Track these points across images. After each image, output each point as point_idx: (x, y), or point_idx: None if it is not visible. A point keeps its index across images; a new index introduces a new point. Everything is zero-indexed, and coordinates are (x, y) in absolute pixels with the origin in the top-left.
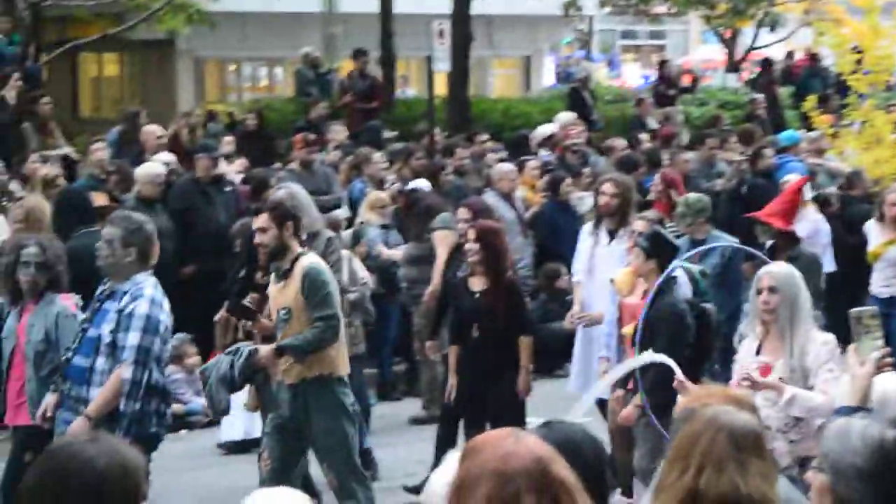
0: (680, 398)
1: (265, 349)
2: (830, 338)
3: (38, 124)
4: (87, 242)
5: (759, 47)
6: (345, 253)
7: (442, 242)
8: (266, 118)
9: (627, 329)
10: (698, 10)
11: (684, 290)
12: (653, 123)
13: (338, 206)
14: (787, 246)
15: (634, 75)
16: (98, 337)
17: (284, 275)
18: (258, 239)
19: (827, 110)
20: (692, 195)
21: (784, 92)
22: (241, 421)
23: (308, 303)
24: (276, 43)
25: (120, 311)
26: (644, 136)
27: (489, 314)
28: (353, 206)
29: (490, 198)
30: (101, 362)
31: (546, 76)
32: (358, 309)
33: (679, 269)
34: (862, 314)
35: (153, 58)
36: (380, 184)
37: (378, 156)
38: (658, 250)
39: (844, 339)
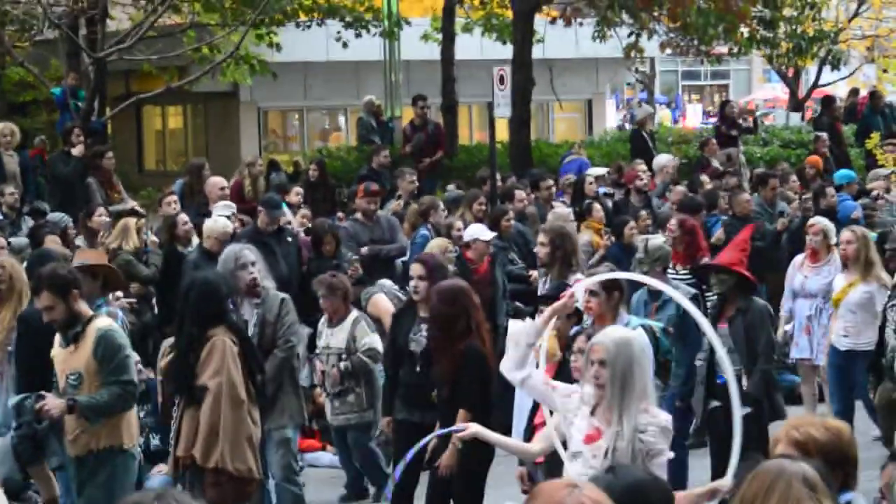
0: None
1: (55, 400)
2: (666, 419)
3: (101, 179)
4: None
5: (823, 85)
6: (354, 313)
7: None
8: (328, 167)
9: None
10: (760, 49)
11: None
12: (717, 165)
13: (402, 255)
14: (740, 296)
15: (696, 116)
16: None
17: (74, 338)
18: (47, 318)
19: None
20: (652, 241)
21: (847, 130)
22: None
23: (102, 367)
24: (338, 92)
25: None
26: (704, 178)
27: (439, 381)
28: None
29: None
30: None
31: (608, 119)
32: (358, 374)
33: (639, 326)
34: None
35: (216, 109)
36: (447, 231)
37: (442, 204)
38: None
39: None
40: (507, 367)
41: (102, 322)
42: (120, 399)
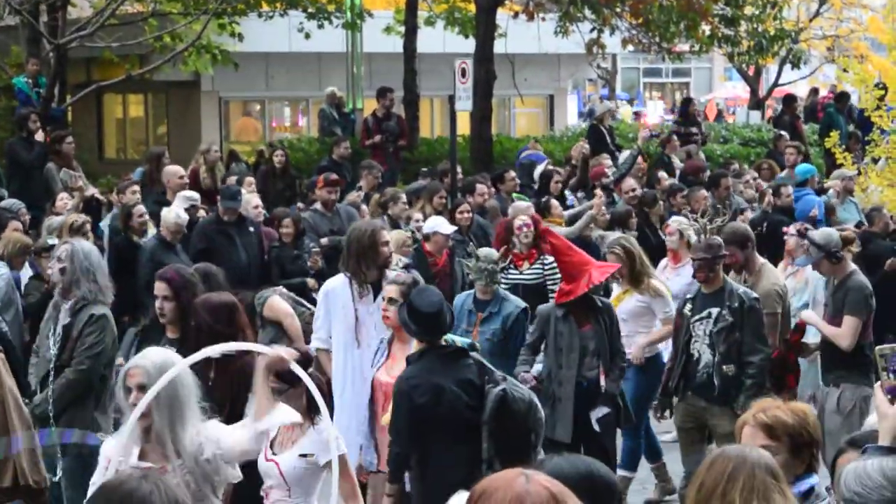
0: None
1: None
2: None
3: (62, 164)
4: None
5: (783, 84)
6: None
7: None
8: (290, 157)
9: (386, 417)
10: (721, 47)
11: None
12: (678, 162)
13: None
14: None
15: (658, 113)
16: None
17: None
18: None
19: (850, 147)
20: (483, 250)
21: (808, 129)
22: None
23: None
24: (300, 83)
25: None
26: (663, 175)
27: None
28: None
29: None
30: None
31: (570, 115)
32: None
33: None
34: (885, 351)
35: (177, 98)
36: (406, 222)
37: (404, 196)
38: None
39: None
40: None
41: None
42: None
